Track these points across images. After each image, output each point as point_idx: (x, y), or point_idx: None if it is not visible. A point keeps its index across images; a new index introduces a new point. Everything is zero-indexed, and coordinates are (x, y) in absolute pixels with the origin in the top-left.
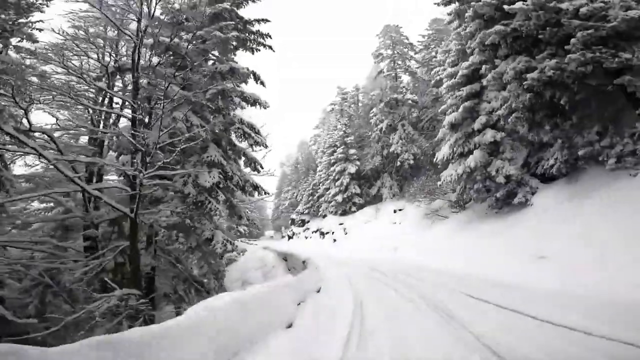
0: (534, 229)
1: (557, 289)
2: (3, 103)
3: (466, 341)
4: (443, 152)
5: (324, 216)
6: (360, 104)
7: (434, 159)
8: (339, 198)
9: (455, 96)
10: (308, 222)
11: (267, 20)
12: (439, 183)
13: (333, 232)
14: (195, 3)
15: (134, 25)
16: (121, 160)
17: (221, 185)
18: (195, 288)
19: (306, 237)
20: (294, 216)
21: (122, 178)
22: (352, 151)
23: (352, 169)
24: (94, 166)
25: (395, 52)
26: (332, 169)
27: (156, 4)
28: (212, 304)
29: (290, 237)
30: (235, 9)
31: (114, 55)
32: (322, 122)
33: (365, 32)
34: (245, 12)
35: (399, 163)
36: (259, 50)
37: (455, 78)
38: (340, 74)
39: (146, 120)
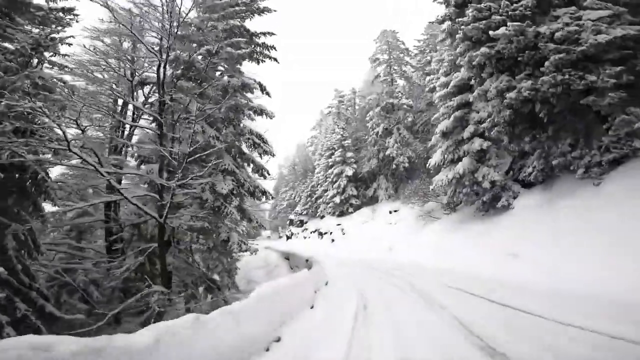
0: (513, 229)
1: (519, 281)
2: (44, 118)
3: (442, 315)
4: (435, 158)
5: (322, 217)
6: (357, 107)
7: (427, 164)
8: (337, 199)
9: (447, 106)
10: (306, 222)
11: (272, 34)
12: (431, 187)
13: (331, 233)
14: (209, 17)
15: (150, 38)
16: (145, 169)
17: (234, 192)
18: (207, 285)
19: (305, 237)
20: (292, 217)
21: (145, 185)
22: (349, 154)
23: (349, 171)
24: (121, 175)
25: (392, 57)
26: (330, 171)
27: (178, 24)
28: (261, 290)
29: (288, 237)
30: (243, 23)
31: (137, 70)
32: (319, 123)
33: (365, 33)
34: (251, 23)
35: (394, 166)
36: (264, 61)
37: (447, 88)
38: (338, 76)
39: (171, 133)
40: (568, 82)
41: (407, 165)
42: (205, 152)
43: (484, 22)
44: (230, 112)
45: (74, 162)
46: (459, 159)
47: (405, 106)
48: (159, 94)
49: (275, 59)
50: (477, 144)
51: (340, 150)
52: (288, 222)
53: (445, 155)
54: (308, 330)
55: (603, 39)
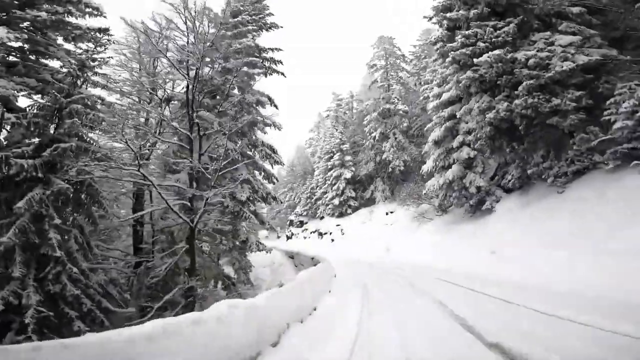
0: (494, 230)
1: (496, 274)
2: (91, 135)
3: (433, 301)
4: (428, 165)
5: (322, 218)
6: (354, 110)
7: (421, 170)
8: (336, 201)
9: (439, 116)
10: (306, 223)
11: (279, 49)
12: (424, 191)
13: (331, 233)
14: (223, 35)
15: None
16: (174, 178)
17: (251, 198)
18: (223, 281)
19: (305, 238)
20: (292, 217)
21: (175, 196)
22: (347, 158)
23: (347, 174)
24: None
25: (388, 63)
26: (329, 174)
27: (204, 50)
28: (299, 276)
29: (289, 238)
30: (254, 42)
31: (165, 88)
32: (317, 125)
33: (363, 35)
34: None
35: (390, 169)
36: (272, 75)
37: (439, 99)
38: (335, 79)
39: (197, 147)
40: (537, 105)
41: (402, 168)
42: (234, 167)
43: (470, 48)
44: (245, 126)
45: (127, 178)
46: (449, 166)
47: (401, 112)
48: (188, 113)
49: (283, 73)
50: (465, 152)
51: (339, 154)
52: (288, 223)
53: (437, 162)
54: (332, 304)
55: (568, 66)
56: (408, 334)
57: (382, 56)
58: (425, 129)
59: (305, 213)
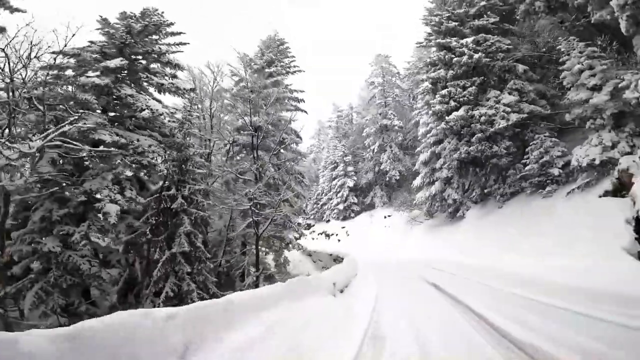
0: (463, 232)
1: (460, 262)
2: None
3: (418, 276)
4: (417, 181)
5: (328, 221)
6: (354, 122)
7: (412, 184)
8: (341, 207)
9: (427, 142)
10: (313, 225)
11: (302, 91)
12: (415, 201)
13: (337, 234)
14: (263, 84)
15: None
16: (240, 200)
17: (291, 212)
18: (265, 273)
19: (313, 239)
20: (300, 220)
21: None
22: (349, 168)
23: (350, 183)
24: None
25: (385, 80)
26: (333, 182)
27: (265, 107)
28: (343, 263)
29: (297, 238)
30: (291, 94)
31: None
32: (317, 133)
33: (354, 47)
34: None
35: (387, 178)
36: (296, 112)
37: (427, 127)
38: (334, 86)
39: (258, 177)
40: (484, 150)
41: (398, 177)
42: (290, 195)
43: (445, 105)
44: (287, 161)
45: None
46: (434, 182)
47: (396, 127)
48: (254, 157)
49: (305, 111)
50: (445, 172)
51: (342, 164)
52: (297, 225)
53: (424, 179)
54: (360, 277)
55: (504, 124)
56: (401, 289)
57: (379, 74)
58: (416, 150)
59: (312, 217)
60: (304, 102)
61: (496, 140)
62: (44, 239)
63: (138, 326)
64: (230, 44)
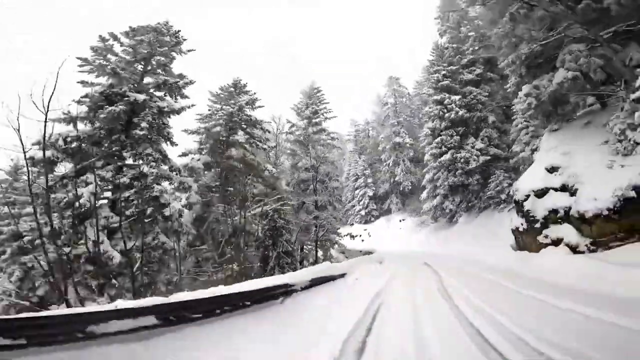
0: (456, 233)
1: (452, 254)
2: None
3: (420, 262)
4: (424, 195)
5: (352, 224)
6: (370, 137)
7: (420, 196)
8: (362, 212)
9: (429, 166)
10: (339, 228)
11: (336, 133)
12: (422, 210)
13: (360, 235)
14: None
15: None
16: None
17: (331, 224)
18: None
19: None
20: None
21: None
22: (369, 180)
23: (370, 192)
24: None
25: (397, 101)
26: (356, 192)
27: (316, 151)
28: (374, 254)
29: (337, 242)
30: (332, 141)
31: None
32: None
33: (365, 37)
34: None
35: (401, 188)
36: (332, 148)
37: (429, 155)
38: (339, 92)
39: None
40: (463, 181)
41: (410, 187)
42: (335, 213)
43: (439, 150)
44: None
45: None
46: (435, 196)
47: (408, 144)
48: (314, 191)
49: (339, 147)
50: (441, 191)
51: (362, 177)
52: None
53: (429, 193)
54: (385, 263)
55: (474, 164)
56: (408, 265)
57: (391, 95)
58: (424, 171)
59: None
60: (338, 139)
61: (470, 174)
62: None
63: (332, 267)
64: (288, 104)
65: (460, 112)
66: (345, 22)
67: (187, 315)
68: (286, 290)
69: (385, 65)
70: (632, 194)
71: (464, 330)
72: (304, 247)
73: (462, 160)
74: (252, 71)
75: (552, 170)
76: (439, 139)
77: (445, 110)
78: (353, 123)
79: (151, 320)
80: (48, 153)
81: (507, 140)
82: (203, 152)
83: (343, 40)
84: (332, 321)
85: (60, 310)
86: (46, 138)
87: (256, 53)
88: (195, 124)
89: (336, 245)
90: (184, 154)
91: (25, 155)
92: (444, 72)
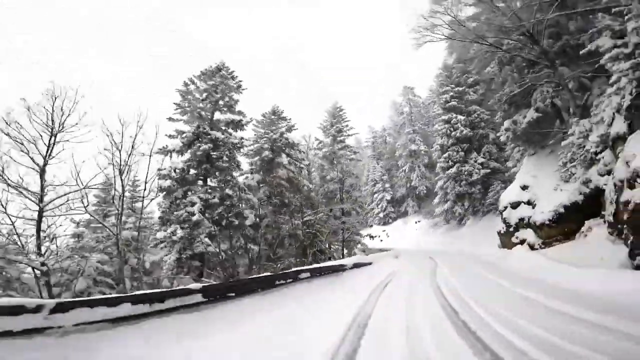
0: (463, 233)
1: (458, 250)
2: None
3: (429, 257)
4: (436, 199)
5: (371, 226)
6: (387, 143)
7: (432, 201)
8: (381, 215)
9: (440, 176)
10: (360, 230)
11: (357, 152)
12: (434, 214)
13: (379, 236)
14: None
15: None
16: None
17: (352, 230)
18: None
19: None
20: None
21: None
22: (387, 185)
23: (387, 196)
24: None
25: (412, 110)
26: (374, 196)
27: (342, 166)
28: (393, 250)
29: (359, 242)
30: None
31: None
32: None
33: (365, 36)
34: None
35: (417, 192)
36: (354, 161)
37: (439, 166)
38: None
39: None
40: (467, 190)
41: (425, 191)
42: (358, 218)
43: (446, 164)
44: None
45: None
46: (447, 201)
47: (422, 152)
48: (341, 200)
49: (360, 160)
50: (451, 197)
51: (380, 182)
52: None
53: (441, 199)
54: (400, 259)
55: (477, 175)
56: (417, 258)
57: (406, 104)
58: (436, 179)
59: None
60: (359, 153)
61: (473, 184)
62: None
63: (362, 258)
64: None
65: (465, 131)
66: (347, 24)
67: (298, 277)
68: (343, 268)
69: (395, 72)
70: (562, 210)
71: (433, 285)
72: (332, 246)
73: (466, 173)
74: (262, 78)
75: (524, 188)
76: (446, 154)
77: (452, 129)
78: (371, 130)
79: (262, 285)
80: (168, 182)
81: (505, 155)
82: (253, 172)
83: (347, 44)
84: (369, 281)
85: (204, 283)
86: (162, 170)
87: (265, 60)
88: (245, 147)
89: (359, 245)
90: (241, 174)
91: (158, 183)
92: (451, 93)
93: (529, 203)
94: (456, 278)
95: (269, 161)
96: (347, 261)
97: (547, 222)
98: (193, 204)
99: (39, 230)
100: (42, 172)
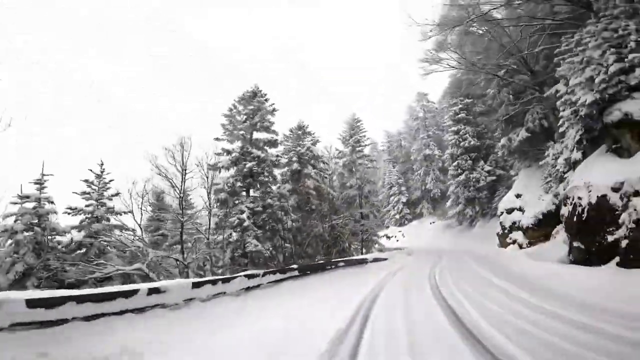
0: (473, 234)
1: (466, 248)
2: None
3: (438, 255)
4: (449, 202)
5: (388, 227)
6: (402, 146)
7: (445, 205)
8: (397, 216)
9: (452, 181)
10: (377, 231)
11: (374, 160)
12: (447, 216)
13: (395, 236)
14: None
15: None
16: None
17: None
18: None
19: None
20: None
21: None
22: (402, 188)
23: (403, 199)
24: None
25: (426, 115)
26: (391, 198)
27: (361, 174)
28: (407, 247)
29: (376, 242)
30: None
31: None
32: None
33: (365, 36)
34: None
35: (432, 194)
36: (371, 169)
37: (450, 173)
38: (344, 97)
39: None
40: (475, 195)
41: (439, 194)
42: (375, 221)
43: (456, 171)
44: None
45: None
46: (459, 204)
47: (436, 156)
48: (360, 205)
49: (377, 167)
50: (462, 201)
51: (397, 186)
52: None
53: (453, 202)
54: (414, 256)
55: (483, 182)
56: (428, 254)
57: (420, 109)
58: (448, 183)
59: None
60: (375, 161)
61: (480, 190)
62: None
63: (380, 254)
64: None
65: (472, 142)
66: (347, 23)
67: (337, 265)
68: (366, 261)
69: (395, 72)
70: (541, 217)
71: (429, 275)
72: (352, 245)
73: (474, 179)
74: (262, 78)
75: (517, 196)
76: (456, 162)
77: (460, 140)
78: (387, 134)
79: (320, 268)
80: (223, 195)
81: (509, 163)
82: (284, 182)
83: (347, 43)
84: (385, 270)
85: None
86: (217, 184)
87: (265, 60)
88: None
89: (376, 245)
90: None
91: (213, 196)
92: (460, 106)
93: (520, 209)
94: (448, 270)
95: (297, 172)
96: (369, 256)
97: (531, 226)
98: (242, 212)
99: (181, 235)
100: (180, 199)
